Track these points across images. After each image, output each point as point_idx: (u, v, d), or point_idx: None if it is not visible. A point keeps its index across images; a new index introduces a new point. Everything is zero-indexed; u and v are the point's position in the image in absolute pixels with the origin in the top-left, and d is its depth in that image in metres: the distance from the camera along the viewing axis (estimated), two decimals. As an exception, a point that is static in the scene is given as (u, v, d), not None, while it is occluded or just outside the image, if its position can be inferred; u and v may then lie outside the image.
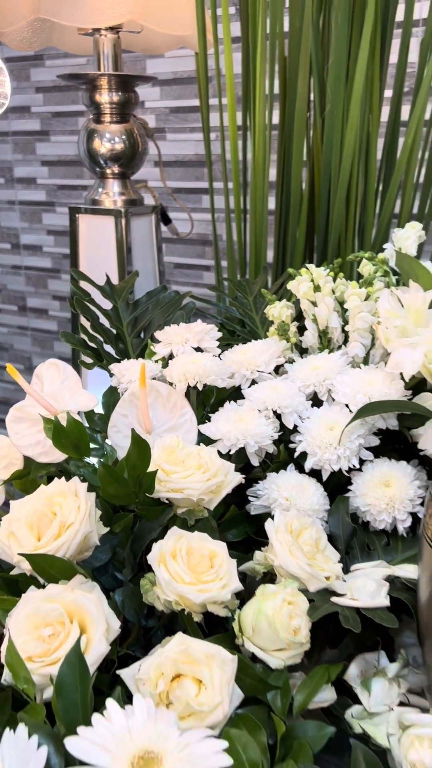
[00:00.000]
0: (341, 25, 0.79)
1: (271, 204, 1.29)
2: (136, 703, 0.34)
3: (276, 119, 1.11)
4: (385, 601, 0.46)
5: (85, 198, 1.04)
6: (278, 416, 0.60)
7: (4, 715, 0.39)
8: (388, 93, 1.14)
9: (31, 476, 0.57)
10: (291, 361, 0.66)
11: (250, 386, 0.64)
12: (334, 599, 0.47)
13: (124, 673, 0.42)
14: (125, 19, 0.84)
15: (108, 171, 1.01)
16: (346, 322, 0.67)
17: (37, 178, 1.74)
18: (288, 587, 0.46)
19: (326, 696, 0.44)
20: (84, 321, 0.72)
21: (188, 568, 0.45)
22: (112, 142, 0.99)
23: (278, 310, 0.68)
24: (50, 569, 0.45)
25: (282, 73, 0.91)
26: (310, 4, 0.80)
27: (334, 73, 0.81)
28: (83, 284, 0.75)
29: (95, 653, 0.41)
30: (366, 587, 0.47)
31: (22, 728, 0.32)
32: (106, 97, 0.97)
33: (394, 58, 0.92)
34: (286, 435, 0.60)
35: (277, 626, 0.44)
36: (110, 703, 0.33)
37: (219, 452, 0.57)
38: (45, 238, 1.79)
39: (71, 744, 0.31)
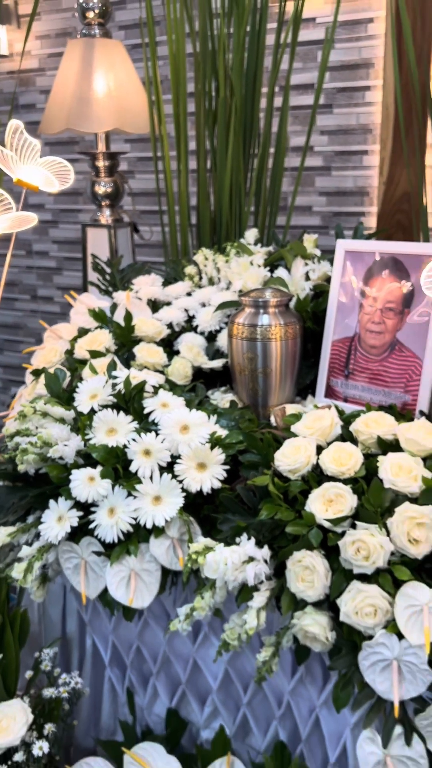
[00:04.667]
0: (221, 129, 1.66)
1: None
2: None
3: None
4: (219, 365, 1.32)
5: (90, 218, 1.90)
6: (187, 311, 1.46)
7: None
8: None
9: (81, 335, 1.41)
10: (194, 290, 1.52)
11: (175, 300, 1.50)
12: (202, 365, 1.32)
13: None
14: (112, 127, 1.71)
15: (103, 203, 1.88)
16: (219, 272, 1.53)
17: (45, 204, 2.60)
18: (183, 359, 1.31)
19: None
20: (94, 279, 1.57)
21: (146, 352, 1.30)
22: (104, 187, 1.85)
23: (189, 269, 1.55)
24: (97, 355, 1.30)
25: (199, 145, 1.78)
26: (205, 118, 1.67)
27: (221, 148, 1.68)
28: (96, 260, 1.61)
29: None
30: (216, 363, 1.33)
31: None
32: (101, 163, 1.84)
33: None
34: (190, 321, 1.46)
35: (180, 370, 1.29)
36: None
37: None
38: (51, 246, 2.65)
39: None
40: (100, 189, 1.86)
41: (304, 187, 2.12)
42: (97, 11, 1.75)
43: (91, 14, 1.75)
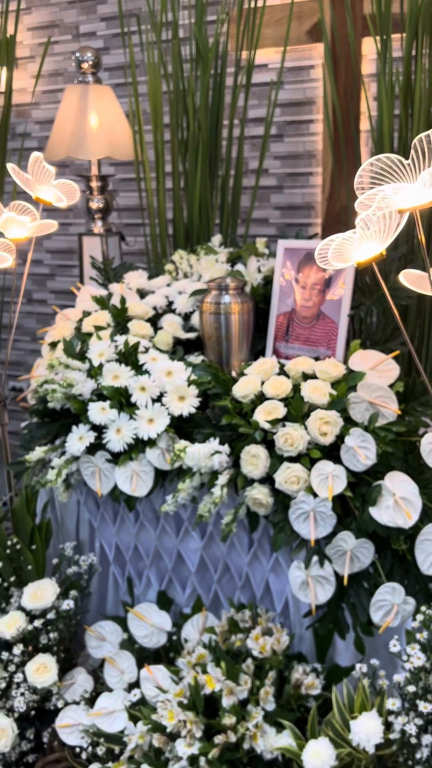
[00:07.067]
0: (191, 155, 2.15)
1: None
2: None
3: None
4: (193, 336, 1.78)
5: (85, 228, 2.37)
6: (167, 298, 1.92)
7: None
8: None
9: (86, 316, 1.87)
10: (172, 282, 1.99)
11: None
12: (180, 336, 1.79)
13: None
14: (104, 155, 2.18)
15: (96, 216, 2.35)
16: (191, 268, 2.00)
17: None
18: (166, 331, 1.78)
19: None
20: (93, 275, 2.04)
21: (137, 326, 1.77)
22: (97, 203, 2.32)
23: (168, 266, 2.02)
24: (100, 329, 1.76)
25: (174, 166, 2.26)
26: (179, 147, 2.15)
27: (192, 171, 2.16)
28: (92, 261, 2.07)
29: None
30: (191, 334, 1.80)
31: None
32: (94, 184, 2.31)
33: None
34: (170, 305, 1.92)
35: (164, 339, 1.76)
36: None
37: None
38: (45, 255, 3.11)
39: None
40: (94, 204, 2.33)
41: (262, 203, 2.61)
42: (90, 62, 2.24)
43: (85, 65, 2.24)
